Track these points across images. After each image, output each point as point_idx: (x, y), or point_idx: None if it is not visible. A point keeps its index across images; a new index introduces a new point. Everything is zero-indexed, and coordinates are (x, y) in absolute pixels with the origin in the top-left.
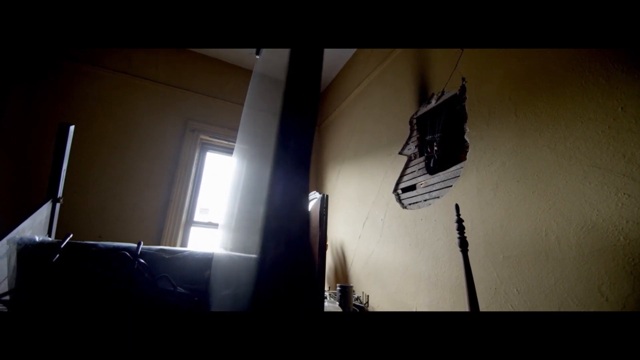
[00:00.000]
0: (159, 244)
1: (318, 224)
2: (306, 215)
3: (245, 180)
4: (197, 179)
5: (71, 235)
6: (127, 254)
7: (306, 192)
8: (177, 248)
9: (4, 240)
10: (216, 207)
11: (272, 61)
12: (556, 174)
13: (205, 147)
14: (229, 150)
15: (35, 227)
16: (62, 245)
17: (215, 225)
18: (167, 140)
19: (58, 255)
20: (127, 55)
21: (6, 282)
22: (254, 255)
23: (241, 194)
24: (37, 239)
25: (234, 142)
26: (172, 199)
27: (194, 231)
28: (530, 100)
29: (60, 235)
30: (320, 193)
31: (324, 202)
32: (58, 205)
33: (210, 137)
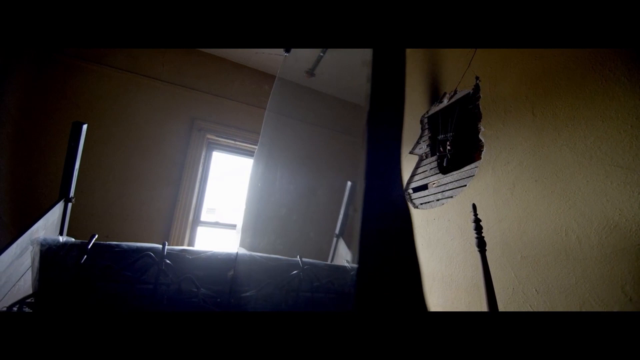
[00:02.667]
0: None
1: None
2: (407, 212)
3: (290, 186)
4: (203, 179)
5: (96, 236)
6: (152, 254)
7: (402, 187)
8: (200, 248)
9: (19, 241)
10: (224, 207)
11: (295, 67)
12: (576, 173)
13: (212, 146)
14: (235, 150)
15: (47, 227)
16: (89, 246)
17: (223, 225)
18: (174, 140)
19: (86, 256)
20: (133, 54)
21: (21, 282)
22: (284, 257)
23: (284, 198)
24: (60, 239)
25: (241, 142)
26: (179, 199)
27: (200, 231)
28: (548, 99)
29: (71, 235)
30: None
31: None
32: (70, 205)
33: (216, 136)
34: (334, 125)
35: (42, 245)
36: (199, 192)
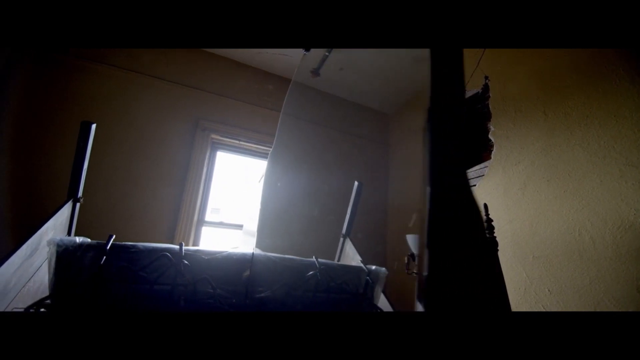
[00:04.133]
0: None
1: None
2: (477, 211)
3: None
4: (207, 179)
5: (114, 237)
6: (169, 255)
7: (469, 188)
8: (215, 249)
9: (29, 241)
10: (228, 207)
11: (308, 69)
12: (590, 173)
13: (216, 146)
14: (239, 150)
15: (57, 227)
16: (108, 247)
17: (228, 225)
18: (178, 140)
19: (105, 257)
20: (136, 54)
21: (31, 283)
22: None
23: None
24: (77, 240)
25: (245, 142)
26: (183, 199)
27: (205, 231)
28: (559, 98)
29: (76, 235)
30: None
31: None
32: (78, 205)
33: (221, 136)
34: (346, 127)
35: (58, 246)
36: (203, 192)
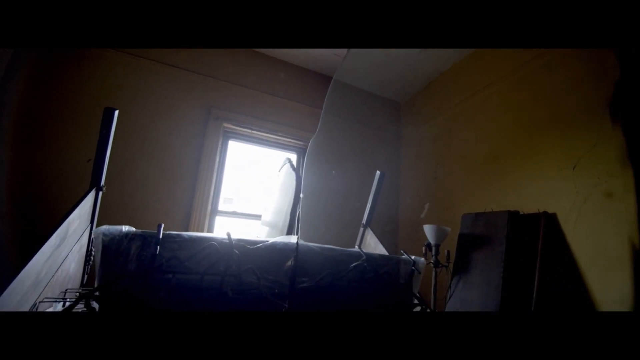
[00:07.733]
0: None
1: None
2: None
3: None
4: (220, 168)
5: (163, 226)
6: (216, 244)
7: None
8: (259, 238)
9: (58, 231)
10: (241, 197)
11: (356, 71)
12: None
13: (228, 135)
14: (251, 139)
15: (82, 216)
16: (160, 237)
17: (241, 215)
18: (191, 128)
19: (159, 247)
20: None
21: (59, 272)
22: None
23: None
24: (123, 229)
25: (257, 130)
26: (197, 188)
27: (218, 220)
28: None
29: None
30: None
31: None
32: (100, 194)
33: (233, 125)
34: (360, 116)
35: (104, 235)
36: (216, 182)
